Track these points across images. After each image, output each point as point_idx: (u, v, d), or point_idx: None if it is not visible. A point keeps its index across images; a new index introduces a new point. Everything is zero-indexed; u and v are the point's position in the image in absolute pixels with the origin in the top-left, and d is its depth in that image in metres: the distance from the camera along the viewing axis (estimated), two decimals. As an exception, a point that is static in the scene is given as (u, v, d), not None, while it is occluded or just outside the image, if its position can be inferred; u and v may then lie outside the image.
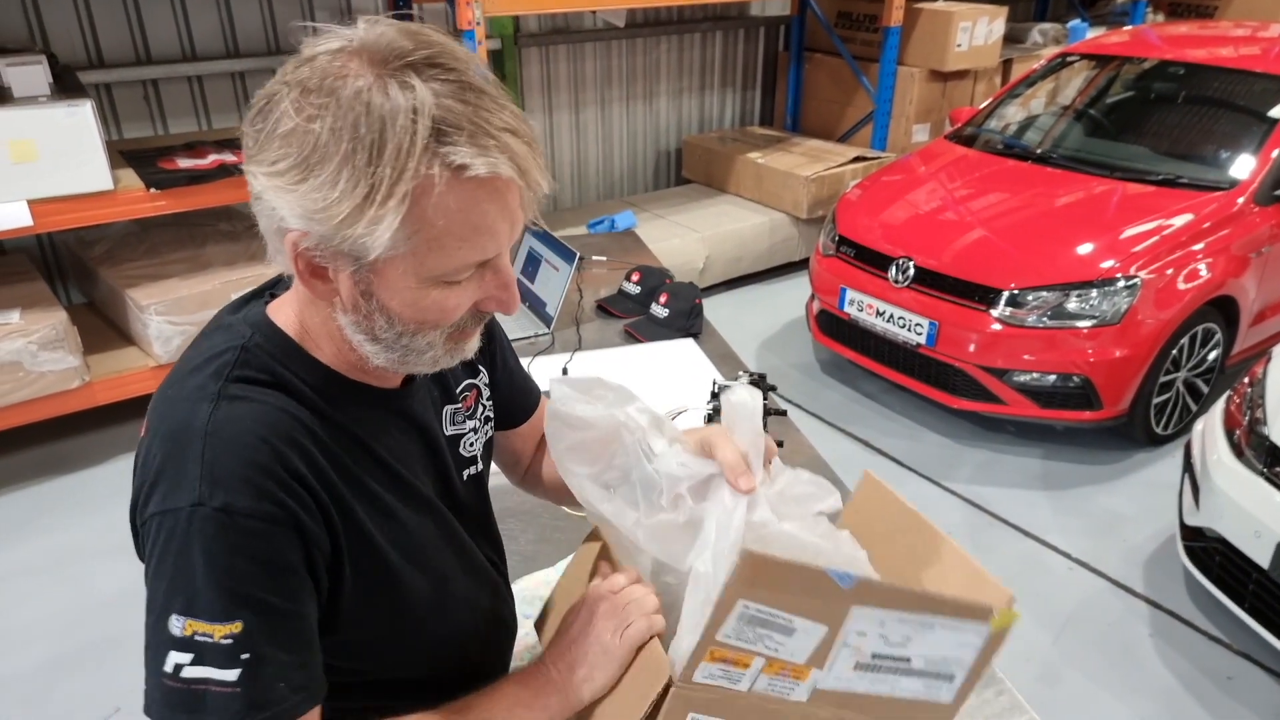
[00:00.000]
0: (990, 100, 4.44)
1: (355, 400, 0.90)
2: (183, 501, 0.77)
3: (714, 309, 3.14)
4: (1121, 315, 3.09)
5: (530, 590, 1.43)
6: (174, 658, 0.76)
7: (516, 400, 1.20)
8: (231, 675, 0.76)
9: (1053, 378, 3.19)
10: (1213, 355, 3.44)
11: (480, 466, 1.10)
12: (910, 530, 1.01)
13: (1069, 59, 4.45)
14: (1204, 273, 3.22)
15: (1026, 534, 2.98)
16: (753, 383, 1.94)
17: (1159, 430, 3.39)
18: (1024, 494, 3.19)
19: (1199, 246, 3.23)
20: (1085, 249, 3.25)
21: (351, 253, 0.76)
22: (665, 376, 2.26)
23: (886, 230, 3.66)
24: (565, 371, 2.25)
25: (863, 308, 3.56)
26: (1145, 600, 2.71)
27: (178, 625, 0.76)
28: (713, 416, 1.93)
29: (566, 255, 2.57)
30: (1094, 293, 3.12)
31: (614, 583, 0.96)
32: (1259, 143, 3.50)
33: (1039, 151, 4.00)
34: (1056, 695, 2.38)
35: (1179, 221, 3.29)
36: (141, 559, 0.83)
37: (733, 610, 0.80)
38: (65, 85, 3.05)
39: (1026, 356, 3.18)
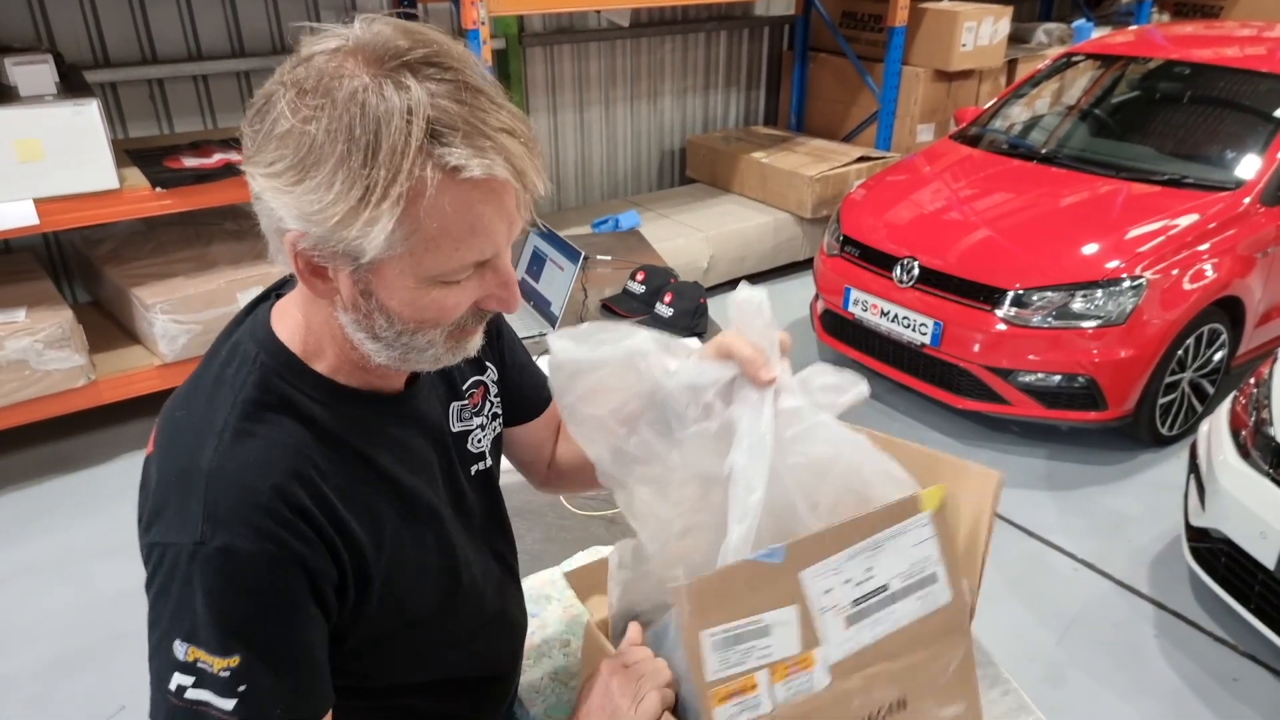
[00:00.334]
0: (995, 100, 4.43)
1: (361, 413, 0.90)
2: (185, 538, 0.79)
3: (718, 309, 3.13)
4: (1127, 315, 3.09)
5: (536, 589, 1.43)
6: (178, 679, 0.79)
7: (528, 394, 1.20)
8: (229, 705, 0.79)
9: (1058, 378, 3.18)
10: (1218, 356, 3.43)
11: (489, 462, 1.10)
12: (890, 448, 0.99)
13: (1074, 59, 4.44)
14: (1209, 273, 3.21)
15: (1031, 534, 2.98)
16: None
17: (1164, 431, 3.39)
18: (1029, 494, 3.18)
19: (1205, 247, 3.23)
20: (1090, 249, 3.25)
21: (349, 253, 0.76)
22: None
23: (891, 230, 3.65)
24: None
25: (867, 308, 3.56)
26: (1150, 601, 2.70)
27: (181, 650, 0.79)
28: None
29: (571, 255, 2.57)
30: (1099, 293, 3.11)
31: (629, 655, 0.94)
32: (1265, 143, 3.49)
33: (1044, 151, 4.00)
34: (1062, 696, 2.38)
35: (1184, 222, 3.28)
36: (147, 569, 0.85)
37: (703, 646, 0.79)
38: (71, 84, 3.05)
39: (1031, 357, 3.18)
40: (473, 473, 1.07)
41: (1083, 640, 2.55)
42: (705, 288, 2.92)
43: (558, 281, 2.58)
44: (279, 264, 0.83)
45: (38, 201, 2.85)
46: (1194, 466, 2.67)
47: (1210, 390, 3.47)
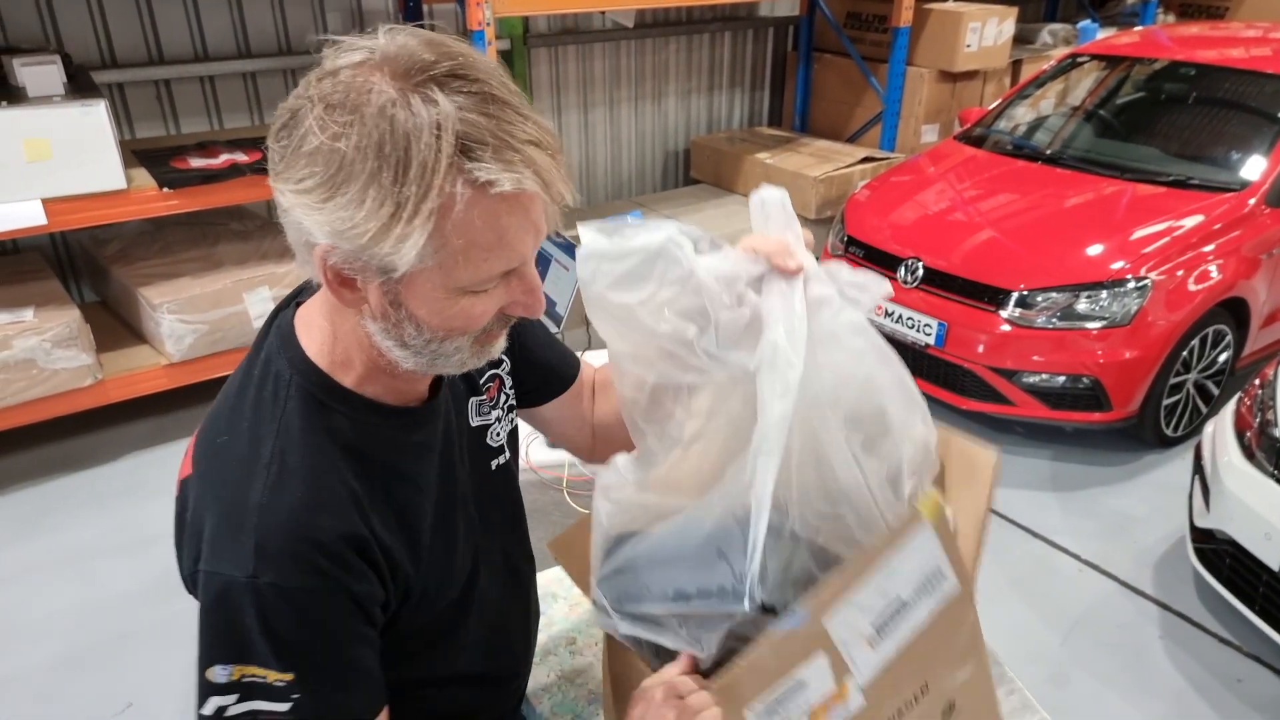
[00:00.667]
0: (1000, 101, 4.43)
1: (390, 429, 0.92)
2: (237, 572, 0.81)
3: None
4: (1132, 316, 3.09)
5: (542, 587, 1.44)
6: (215, 701, 0.81)
7: (556, 366, 1.20)
8: (283, 707, 0.81)
9: (1062, 379, 3.18)
10: (1223, 357, 3.43)
11: (508, 455, 1.11)
12: None
13: (1079, 60, 4.43)
14: (1215, 274, 3.21)
15: (1036, 535, 2.98)
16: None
17: (1169, 432, 3.38)
18: (1033, 495, 3.18)
19: (1210, 248, 3.22)
20: (1095, 250, 3.24)
21: (379, 267, 0.77)
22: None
23: (895, 231, 3.65)
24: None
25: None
26: (1155, 602, 2.70)
27: (222, 674, 0.81)
28: None
29: (576, 255, 2.58)
30: (1104, 294, 3.11)
31: (681, 686, 0.86)
32: (1270, 144, 3.48)
33: (1049, 152, 3.99)
34: (1066, 696, 2.38)
35: (1189, 223, 3.28)
36: (189, 590, 0.88)
37: None
38: (79, 85, 3.07)
39: (1036, 357, 3.18)
40: (493, 468, 1.08)
41: (1087, 641, 2.55)
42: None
43: (563, 281, 2.58)
44: (306, 273, 0.84)
45: (46, 201, 2.86)
46: (1199, 468, 2.67)
47: (1215, 391, 3.47)
